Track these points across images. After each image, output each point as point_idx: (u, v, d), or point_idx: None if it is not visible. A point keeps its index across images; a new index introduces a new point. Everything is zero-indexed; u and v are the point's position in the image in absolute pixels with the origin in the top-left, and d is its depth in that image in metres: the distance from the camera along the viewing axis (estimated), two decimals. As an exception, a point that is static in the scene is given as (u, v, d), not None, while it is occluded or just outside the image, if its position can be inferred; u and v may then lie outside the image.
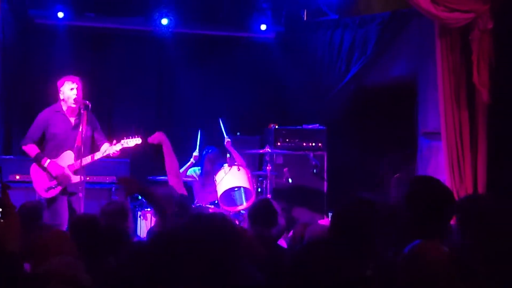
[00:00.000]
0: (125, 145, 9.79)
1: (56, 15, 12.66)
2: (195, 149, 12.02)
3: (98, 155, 9.66)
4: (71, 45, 12.98)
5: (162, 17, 12.94)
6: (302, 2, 13.76)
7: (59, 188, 9.43)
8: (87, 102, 9.48)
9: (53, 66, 12.61)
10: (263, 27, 13.68)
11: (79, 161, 9.43)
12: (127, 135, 9.90)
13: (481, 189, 10.43)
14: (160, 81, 13.90)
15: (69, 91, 9.56)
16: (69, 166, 9.45)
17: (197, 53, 13.72)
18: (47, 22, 12.82)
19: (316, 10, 13.73)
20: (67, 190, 9.46)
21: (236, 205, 11.01)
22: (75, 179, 9.48)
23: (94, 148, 9.82)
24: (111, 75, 13.45)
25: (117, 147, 9.73)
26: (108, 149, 9.69)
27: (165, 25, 13.04)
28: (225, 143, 11.72)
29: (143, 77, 13.69)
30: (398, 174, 11.79)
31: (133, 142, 9.83)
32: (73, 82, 9.59)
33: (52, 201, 9.41)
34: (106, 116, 13.03)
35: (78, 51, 13.07)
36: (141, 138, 9.96)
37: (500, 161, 10.49)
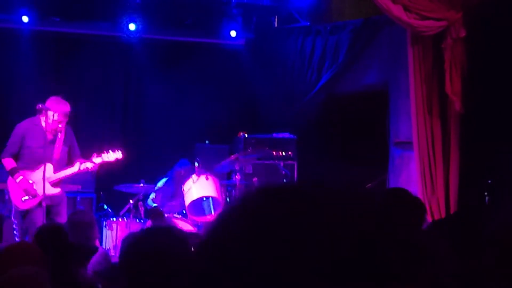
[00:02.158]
0: (106, 159, 9.60)
1: (21, 19, 12.40)
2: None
3: (74, 169, 9.46)
4: (36, 50, 12.80)
5: (129, 22, 12.74)
6: (273, 8, 13.62)
7: (36, 200, 9.18)
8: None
9: (17, 71, 12.43)
10: (233, 33, 13.52)
11: (57, 173, 9.31)
12: (99, 146, 9.73)
13: (452, 199, 10.37)
14: (127, 88, 13.71)
15: (52, 120, 9.28)
16: (48, 179, 9.22)
17: (165, 59, 13.54)
18: (11, 26, 12.58)
19: (287, 16, 13.59)
20: (42, 204, 9.16)
21: (204, 215, 10.84)
22: (54, 191, 9.30)
23: (69, 163, 9.58)
24: (76, 80, 13.23)
25: (97, 160, 9.54)
26: (86, 163, 9.49)
27: (133, 30, 12.85)
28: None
29: (110, 83, 13.54)
30: (369, 185, 11.66)
31: (113, 156, 9.64)
32: (58, 113, 9.29)
33: (28, 212, 9.23)
34: (71, 123, 12.84)
35: (43, 56, 12.90)
36: (122, 152, 9.76)
37: (472, 172, 10.42)
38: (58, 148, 9.32)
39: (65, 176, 9.46)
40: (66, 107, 9.37)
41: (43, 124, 9.34)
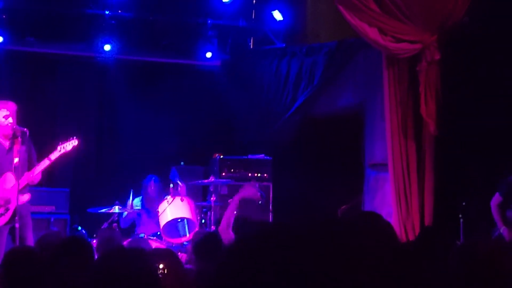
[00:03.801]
0: (63, 150, 9.59)
1: (-5, 39, 12.33)
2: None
3: (38, 169, 9.36)
4: (11, 70, 12.74)
5: (105, 43, 12.70)
6: (249, 30, 13.65)
7: (10, 213, 9.08)
8: (25, 129, 9.18)
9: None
10: (209, 54, 13.50)
11: (21, 179, 9.15)
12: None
13: (427, 221, 10.38)
14: (102, 108, 13.64)
15: (2, 117, 9.23)
16: (12, 187, 9.11)
17: (141, 80, 13.50)
18: (-15, 46, 12.51)
19: (263, 38, 13.62)
20: (16, 214, 9.05)
21: (179, 236, 10.80)
22: (23, 198, 9.20)
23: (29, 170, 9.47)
24: (52, 101, 13.17)
25: (56, 154, 9.49)
26: (47, 159, 9.42)
27: (108, 51, 12.80)
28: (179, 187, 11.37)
29: (85, 104, 13.46)
30: (344, 206, 11.66)
31: (70, 145, 9.65)
32: (7, 109, 9.26)
33: None
34: (45, 144, 12.74)
35: (18, 76, 12.83)
36: (77, 139, 9.77)
37: (447, 194, 10.46)
38: (16, 155, 9.15)
39: (30, 179, 9.29)
40: (12, 103, 9.36)
41: None
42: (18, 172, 9.11)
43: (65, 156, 9.74)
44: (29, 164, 9.46)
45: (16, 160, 9.14)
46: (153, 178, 11.60)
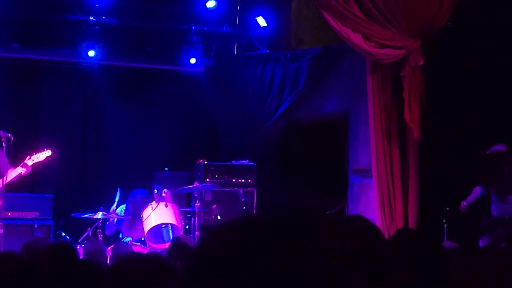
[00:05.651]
0: (36, 160, 9.81)
1: (-21, 45, 12.29)
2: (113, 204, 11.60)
3: (9, 177, 9.53)
4: (-6, 75, 12.65)
5: (89, 49, 12.66)
6: (233, 35, 13.66)
7: None
8: (9, 135, 9.19)
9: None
10: (193, 60, 13.48)
11: None
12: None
13: (411, 227, 10.39)
14: (86, 114, 13.58)
15: None
16: None
17: (125, 86, 13.47)
18: (-31, 52, 12.46)
19: (247, 44, 13.64)
20: None
21: (163, 242, 10.76)
22: None
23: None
24: (35, 107, 13.10)
25: (29, 162, 9.71)
26: (18, 168, 9.57)
27: (92, 57, 12.77)
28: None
29: (69, 109, 13.40)
30: (328, 212, 11.67)
31: (43, 155, 9.80)
32: None
33: None
34: (29, 149, 12.70)
35: (1, 82, 12.72)
36: (50, 150, 10.01)
37: (431, 199, 10.49)
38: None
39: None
40: None
41: None
42: None
43: (41, 164, 9.88)
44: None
45: None
46: (139, 193, 11.52)
